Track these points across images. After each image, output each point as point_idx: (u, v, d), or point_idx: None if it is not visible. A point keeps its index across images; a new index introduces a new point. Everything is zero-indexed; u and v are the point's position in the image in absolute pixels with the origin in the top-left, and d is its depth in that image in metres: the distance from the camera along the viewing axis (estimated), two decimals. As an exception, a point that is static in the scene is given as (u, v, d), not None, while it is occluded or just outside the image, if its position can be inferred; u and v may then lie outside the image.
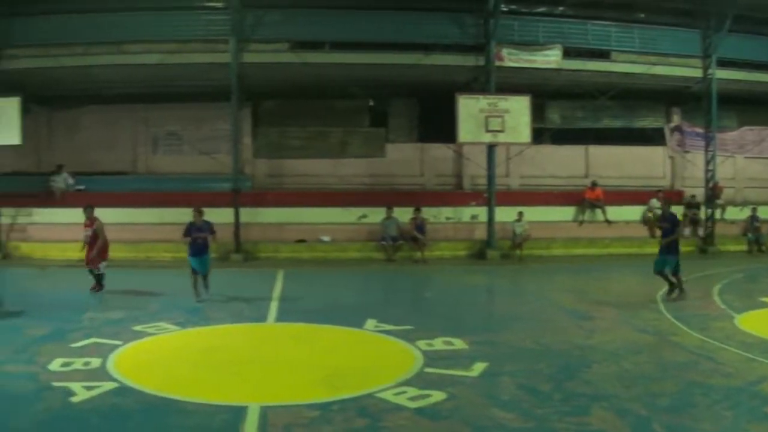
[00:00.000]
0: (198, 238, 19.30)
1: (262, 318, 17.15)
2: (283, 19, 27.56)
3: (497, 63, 28.16)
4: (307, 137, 33.25)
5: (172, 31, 27.80)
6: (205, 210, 27.50)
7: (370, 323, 15.93)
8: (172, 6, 28.06)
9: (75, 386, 11.41)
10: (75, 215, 26.63)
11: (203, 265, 19.35)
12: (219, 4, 28.28)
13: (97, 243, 20.50)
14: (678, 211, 21.58)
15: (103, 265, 20.55)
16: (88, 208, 21.23)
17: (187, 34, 27.93)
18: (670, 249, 18.81)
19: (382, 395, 10.58)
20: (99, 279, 20.50)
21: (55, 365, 12.70)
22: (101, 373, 12.23)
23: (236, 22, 27.14)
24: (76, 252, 24.62)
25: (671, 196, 31.52)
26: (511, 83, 28.47)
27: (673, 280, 18.79)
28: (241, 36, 27.42)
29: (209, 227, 19.77)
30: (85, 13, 28.24)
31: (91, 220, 20.92)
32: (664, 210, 19.81)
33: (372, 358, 13.47)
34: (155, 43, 28.11)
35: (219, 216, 26.76)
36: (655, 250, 19.16)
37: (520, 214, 28.72)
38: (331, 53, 28.50)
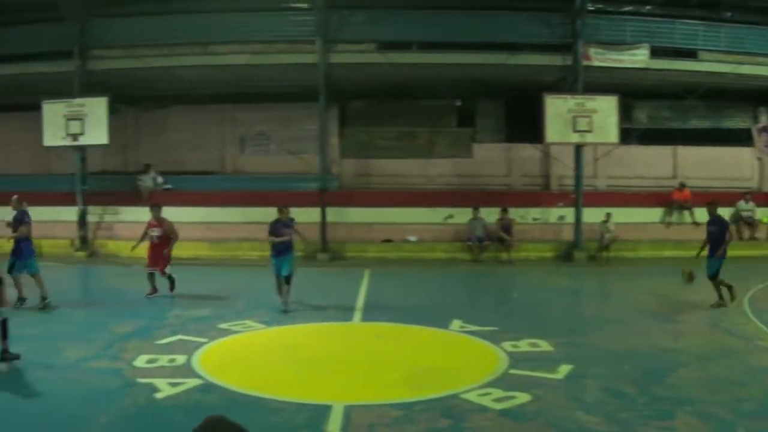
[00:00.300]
0: (283, 235, 18.48)
1: (347, 317, 17.19)
2: (369, 20, 27.58)
3: (584, 63, 27.88)
4: (394, 137, 33.20)
5: (258, 32, 27.94)
6: (293, 209, 27.86)
7: (456, 324, 15.86)
8: (259, 7, 28.22)
9: (159, 383, 11.57)
10: (163, 214, 27.02)
11: (287, 265, 18.28)
12: (305, 5, 28.30)
13: (168, 245, 20.05)
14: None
15: (169, 267, 20.11)
16: (156, 207, 20.68)
17: (274, 35, 28.04)
18: (716, 252, 18.24)
19: (466, 396, 10.54)
20: (172, 282, 20.01)
21: (140, 362, 12.90)
22: (186, 370, 12.38)
23: (322, 23, 27.20)
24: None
25: (759, 198, 31.05)
26: (598, 83, 28.15)
27: (728, 284, 18.16)
28: (328, 37, 27.45)
29: (293, 225, 19.00)
30: (172, 14, 28.62)
31: (158, 221, 20.31)
32: (711, 213, 19.00)
33: (457, 359, 13.42)
34: (242, 44, 28.31)
35: (306, 215, 26.90)
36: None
37: (608, 215, 28.41)
38: (418, 53, 28.38)
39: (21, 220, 19.13)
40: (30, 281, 18.55)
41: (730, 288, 18.10)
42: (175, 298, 19.39)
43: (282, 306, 17.67)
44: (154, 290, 19.65)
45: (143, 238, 20.29)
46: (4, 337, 13.12)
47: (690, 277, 19.20)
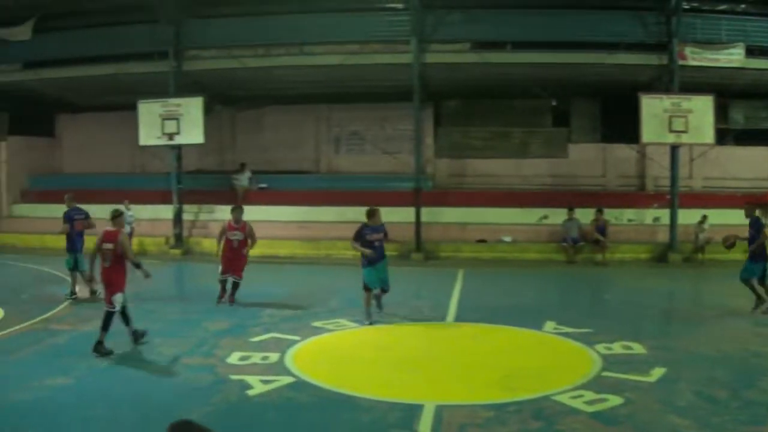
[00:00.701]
0: (374, 241, 16.86)
1: (441, 317, 17.23)
2: (464, 19, 27.45)
3: (680, 62, 27.49)
4: (488, 137, 33.07)
5: (353, 32, 28.00)
6: (387, 209, 27.98)
7: (549, 325, 15.82)
8: (353, 8, 28.34)
9: (252, 379, 11.77)
10: (257, 213, 27.32)
11: (382, 273, 16.85)
12: (399, 6, 28.34)
13: (246, 249, 18.94)
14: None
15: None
16: (237, 209, 19.43)
17: (369, 36, 28.09)
18: (756, 256, 17.89)
19: (558, 398, 10.52)
20: (236, 288, 18.77)
21: (234, 359, 13.12)
22: (279, 368, 12.56)
23: (417, 23, 27.15)
24: (259, 247, 25.33)
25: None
26: (694, 82, 27.72)
27: (760, 290, 17.75)
28: (422, 37, 27.39)
29: (384, 229, 17.34)
30: (268, 15, 28.81)
31: (239, 223, 19.02)
32: (748, 214, 18.64)
33: (550, 360, 13.38)
34: (337, 44, 28.47)
35: (400, 215, 27.07)
36: None
37: (704, 217, 28.02)
38: (512, 53, 28.18)
39: (71, 218, 20.29)
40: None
41: (759, 296, 17.83)
42: (237, 307, 18.35)
43: (367, 319, 16.40)
44: (225, 293, 18.77)
45: (221, 240, 19.07)
46: (127, 321, 14.31)
47: (730, 245, 19.08)
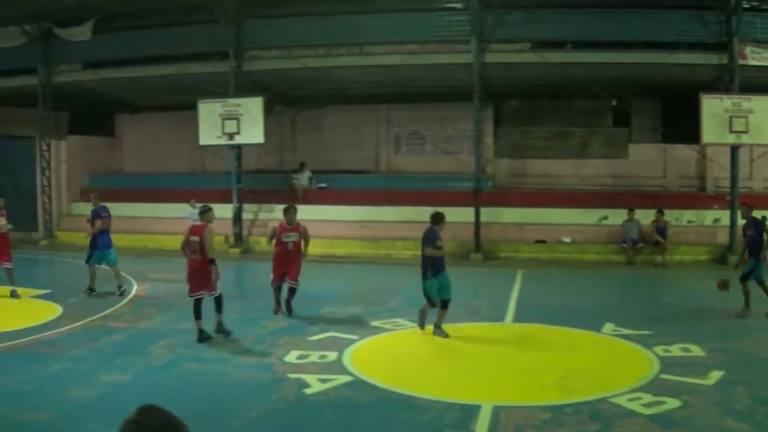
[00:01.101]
0: (442, 248, 15.64)
1: (499, 318, 17.24)
2: (524, 19, 27.29)
3: (740, 62, 27.18)
4: (548, 137, 32.91)
5: (413, 32, 27.99)
6: (446, 209, 28.07)
7: (608, 326, 15.77)
8: (413, 8, 28.32)
9: (310, 378, 11.91)
10: (317, 213, 27.50)
11: (446, 283, 15.42)
12: (459, 5, 28.24)
13: (301, 252, 17.89)
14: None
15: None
16: (291, 209, 18.20)
17: (428, 36, 28.04)
18: (755, 255, 17.69)
19: (615, 400, 10.52)
20: (293, 294, 17.69)
21: (291, 357, 13.29)
22: (336, 367, 12.69)
23: (477, 23, 27.05)
24: (319, 247, 25.50)
25: None
26: (755, 82, 27.34)
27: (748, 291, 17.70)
28: (482, 36, 27.30)
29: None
30: (328, 15, 28.88)
31: (292, 225, 18.01)
32: (746, 215, 18.51)
33: (608, 362, 13.34)
34: (397, 44, 28.53)
35: (460, 215, 27.03)
36: None
37: (764, 218, 27.67)
38: (572, 53, 28.05)
39: (98, 215, 20.88)
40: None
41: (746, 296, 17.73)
42: (296, 306, 17.81)
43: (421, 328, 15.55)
44: (279, 306, 17.72)
45: (271, 243, 18.17)
46: (219, 311, 15.22)
47: (724, 286, 19.15)
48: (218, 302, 15.40)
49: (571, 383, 11.62)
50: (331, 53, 29.35)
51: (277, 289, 17.68)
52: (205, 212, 15.96)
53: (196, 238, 15.58)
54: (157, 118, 37.06)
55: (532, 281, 23.03)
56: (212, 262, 15.27)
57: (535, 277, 23.95)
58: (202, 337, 14.90)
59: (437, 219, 15.95)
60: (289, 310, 17.53)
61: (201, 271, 15.40)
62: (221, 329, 15.33)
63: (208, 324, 15.15)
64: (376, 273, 24.35)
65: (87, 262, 20.91)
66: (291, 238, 17.72)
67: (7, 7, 30.41)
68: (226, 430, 10.04)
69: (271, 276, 17.77)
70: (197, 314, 15.10)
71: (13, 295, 19.93)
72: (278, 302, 17.61)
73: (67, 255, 27.16)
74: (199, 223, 15.97)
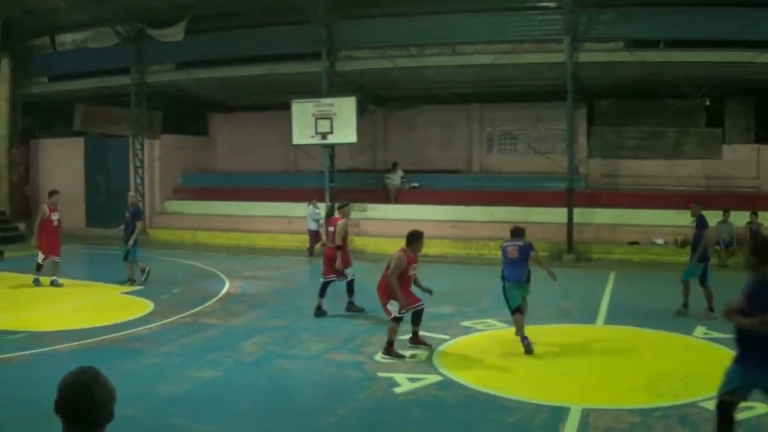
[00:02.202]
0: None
1: (590, 319, 17.13)
2: (617, 18, 26.97)
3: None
4: (641, 137, 32.47)
5: (505, 32, 27.88)
6: (538, 210, 27.91)
7: (699, 330, 15.59)
8: (505, 7, 28.16)
9: (399, 377, 11.96)
10: (409, 212, 27.54)
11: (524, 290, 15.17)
12: (552, 4, 28.05)
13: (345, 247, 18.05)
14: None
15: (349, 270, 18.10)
16: (343, 207, 19.18)
17: (521, 35, 27.95)
18: (700, 256, 17.40)
19: (705, 404, 10.26)
20: (352, 285, 17.99)
21: (381, 356, 13.31)
22: (426, 366, 12.74)
23: (569, 22, 26.85)
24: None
25: None
26: None
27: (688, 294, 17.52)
28: (575, 36, 27.10)
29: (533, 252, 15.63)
30: (420, 15, 28.90)
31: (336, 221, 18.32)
32: (695, 213, 17.95)
33: (698, 366, 13.02)
34: (489, 44, 28.46)
35: (552, 216, 27.01)
36: None
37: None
38: (666, 51, 27.74)
39: (136, 215, 21.75)
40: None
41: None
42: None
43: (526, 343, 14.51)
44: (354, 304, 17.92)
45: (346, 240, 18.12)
46: (350, 293, 17.71)
47: (682, 244, 18.50)
48: (350, 286, 17.66)
49: (661, 386, 11.49)
50: (423, 53, 29.44)
51: (328, 283, 17.77)
52: (341, 207, 18.76)
53: (332, 229, 17.76)
54: (250, 117, 37.54)
55: (624, 283, 22.78)
56: (338, 248, 17.33)
57: (628, 279, 23.68)
58: (318, 313, 17.19)
59: (514, 232, 15.70)
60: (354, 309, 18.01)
61: (334, 257, 17.48)
62: (353, 308, 17.62)
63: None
64: (467, 273, 24.28)
65: (125, 259, 21.92)
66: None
67: (101, 8, 31.09)
68: (315, 426, 10.13)
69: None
70: (322, 293, 17.35)
71: (54, 283, 21.16)
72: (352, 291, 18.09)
73: (159, 252, 27.57)
74: (338, 215, 18.39)
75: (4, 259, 24.78)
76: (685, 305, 17.45)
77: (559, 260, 26.62)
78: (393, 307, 13.89)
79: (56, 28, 36.61)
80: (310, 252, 28.05)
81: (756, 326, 7.75)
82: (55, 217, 21.51)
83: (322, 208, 29.34)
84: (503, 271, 15.25)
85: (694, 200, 18.65)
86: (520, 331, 14.16)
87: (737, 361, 8.21)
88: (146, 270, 21.73)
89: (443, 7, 28.61)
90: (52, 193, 21.98)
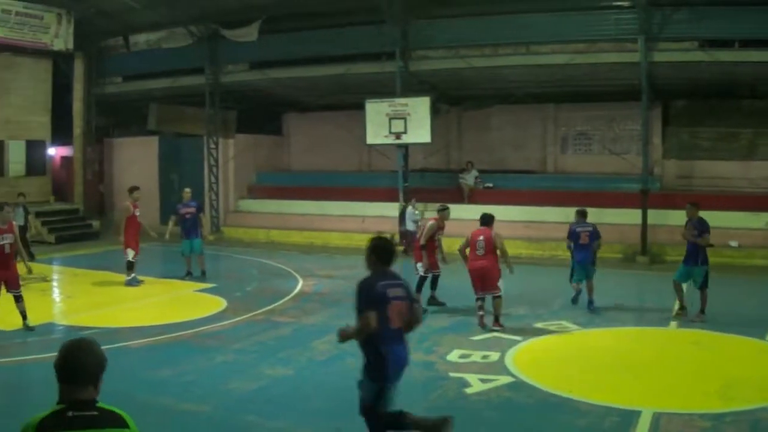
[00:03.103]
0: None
1: (663, 322, 16.91)
2: (690, 17, 26.57)
3: None
4: (716, 138, 32.02)
5: (579, 31, 27.63)
6: (612, 211, 27.72)
7: (772, 334, 15.38)
8: (579, 6, 27.93)
9: (471, 378, 12.05)
10: (483, 212, 27.48)
11: (590, 270, 18.01)
12: (626, 4, 27.70)
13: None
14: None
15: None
16: (445, 210, 18.93)
17: (595, 35, 27.65)
18: (699, 259, 17.03)
19: (778, 410, 10.33)
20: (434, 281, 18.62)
21: (454, 356, 13.46)
22: (498, 367, 12.76)
23: (644, 21, 26.52)
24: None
25: None
26: None
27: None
28: (650, 35, 26.73)
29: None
30: (494, 15, 28.80)
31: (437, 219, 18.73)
32: (691, 215, 17.65)
33: (771, 370, 13.15)
34: (563, 43, 28.36)
35: (626, 217, 26.83)
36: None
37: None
38: (741, 51, 27.31)
39: (176, 212, 22.69)
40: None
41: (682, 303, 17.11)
42: (460, 305, 18.34)
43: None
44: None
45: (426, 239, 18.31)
46: (433, 287, 18.34)
47: None
48: (434, 280, 18.39)
49: (733, 391, 11.40)
50: (498, 53, 29.34)
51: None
52: (441, 210, 18.84)
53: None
54: (324, 117, 37.70)
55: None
56: (422, 248, 18.00)
57: (702, 282, 23.27)
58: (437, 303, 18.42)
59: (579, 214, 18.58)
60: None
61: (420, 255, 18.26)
62: (434, 302, 18.33)
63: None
64: (540, 274, 24.20)
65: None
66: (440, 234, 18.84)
67: (174, 9, 31.52)
68: (385, 426, 10.25)
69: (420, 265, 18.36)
70: (419, 288, 17.61)
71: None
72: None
73: (233, 250, 27.89)
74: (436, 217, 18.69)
75: (34, 259, 25.21)
76: (683, 307, 17.23)
77: (633, 262, 26.46)
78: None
79: (130, 29, 37.11)
80: (405, 251, 28.13)
81: None
82: (137, 213, 22.05)
83: (420, 209, 29.46)
84: (574, 254, 17.79)
85: (690, 201, 18.23)
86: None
87: None
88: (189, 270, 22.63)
89: (518, 6, 28.49)
90: (133, 189, 22.40)
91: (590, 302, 17.73)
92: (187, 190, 23.68)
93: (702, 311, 16.79)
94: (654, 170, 30.84)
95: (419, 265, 18.08)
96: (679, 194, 29.86)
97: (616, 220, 27.31)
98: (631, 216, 27.21)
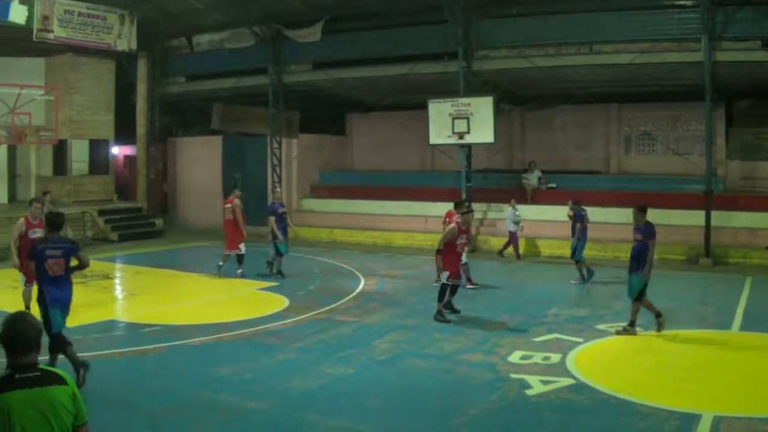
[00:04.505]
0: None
1: (726, 325, 16.77)
2: (755, 16, 26.21)
3: None
4: (779, 139, 31.96)
5: (643, 30, 27.42)
6: (675, 212, 27.48)
7: (836, 339, 15.15)
8: (643, 6, 27.71)
9: (532, 379, 12.05)
10: (546, 212, 27.44)
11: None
12: (689, 3, 27.37)
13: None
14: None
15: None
16: (469, 212, 17.91)
17: (658, 34, 27.42)
18: (640, 266, 15.44)
19: (838, 413, 10.24)
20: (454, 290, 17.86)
21: (515, 357, 13.43)
22: (559, 369, 12.75)
23: (707, 21, 26.24)
24: (548, 248, 25.61)
25: None
26: None
27: (656, 311, 15.63)
28: (713, 34, 26.43)
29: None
30: (557, 14, 28.75)
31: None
32: (639, 220, 15.99)
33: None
34: (626, 43, 28.15)
35: (689, 218, 26.60)
36: None
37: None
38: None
39: (275, 211, 22.85)
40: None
41: (658, 315, 15.66)
42: (521, 306, 18.57)
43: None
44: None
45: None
46: (452, 294, 17.11)
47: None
48: (453, 290, 17.37)
49: (796, 396, 11.30)
50: (561, 52, 29.22)
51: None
52: (465, 213, 17.57)
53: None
54: (386, 117, 37.89)
55: (762, 289, 22.05)
56: (438, 252, 17.01)
57: (766, 285, 22.94)
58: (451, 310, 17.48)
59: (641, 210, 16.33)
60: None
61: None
62: (452, 308, 17.49)
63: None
64: (602, 276, 23.96)
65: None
66: (462, 240, 17.32)
67: (238, 10, 31.79)
68: (446, 426, 10.31)
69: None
70: (446, 295, 17.19)
71: (218, 268, 22.78)
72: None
73: (295, 249, 28.11)
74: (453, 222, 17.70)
75: None
76: (658, 314, 15.76)
77: (696, 264, 26.25)
78: (444, 276, 17.13)
79: (193, 29, 37.46)
80: (502, 252, 28.00)
81: None
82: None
83: (425, 208, 29.46)
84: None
85: (637, 205, 16.39)
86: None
87: None
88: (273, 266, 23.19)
89: (581, 5, 28.37)
90: (235, 188, 23.96)
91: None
92: (279, 189, 24.11)
93: (631, 324, 15.65)
94: (717, 171, 30.56)
95: (444, 273, 17.13)
96: (743, 196, 29.65)
97: (679, 221, 27.12)
98: (695, 217, 26.96)
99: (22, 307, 15.69)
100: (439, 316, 16.88)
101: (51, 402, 5.10)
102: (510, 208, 27.86)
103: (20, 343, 5.15)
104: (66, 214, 24.90)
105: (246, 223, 23.32)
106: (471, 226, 18.37)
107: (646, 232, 15.72)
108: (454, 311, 17.48)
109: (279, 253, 23.08)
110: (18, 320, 5.27)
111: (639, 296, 15.50)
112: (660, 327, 15.55)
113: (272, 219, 22.83)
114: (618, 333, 15.55)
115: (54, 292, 11.85)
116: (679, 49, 27.44)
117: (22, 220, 16.84)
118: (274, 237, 22.88)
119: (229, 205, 23.15)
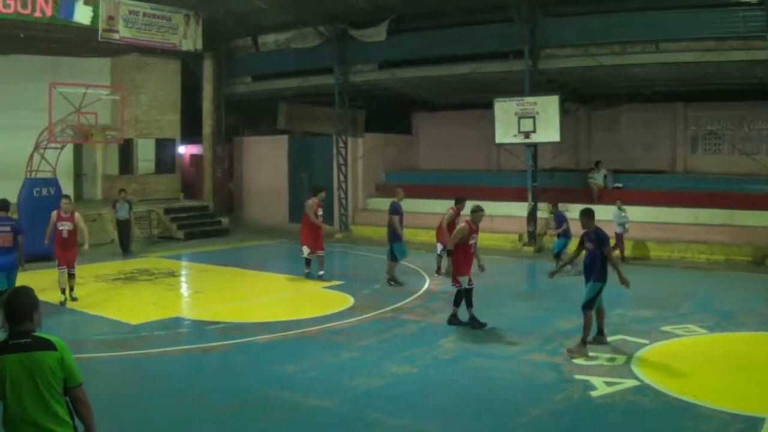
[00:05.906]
0: None
1: (793, 328, 16.53)
2: None
3: None
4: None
5: (708, 28, 26.94)
6: (742, 212, 27.18)
7: None
8: (709, 3, 27.45)
9: (596, 380, 12.03)
10: (612, 212, 27.21)
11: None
12: (754, 0, 27.36)
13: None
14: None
15: None
16: (479, 211, 16.96)
17: (723, 32, 26.98)
18: (600, 275, 14.26)
19: None
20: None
21: (580, 358, 13.36)
22: (624, 370, 12.69)
23: (772, 19, 26.13)
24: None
25: None
26: None
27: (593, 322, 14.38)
28: (778, 32, 26.32)
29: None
30: (623, 12, 28.43)
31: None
32: (587, 224, 14.74)
33: None
34: (693, 41, 27.91)
35: (757, 219, 26.32)
36: None
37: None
38: None
39: (398, 211, 22.53)
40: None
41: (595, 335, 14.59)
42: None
43: None
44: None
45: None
46: (470, 304, 16.03)
47: None
48: (467, 296, 16.34)
49: None
50: (626, 51, 29.03)
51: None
52: (474, 211, 16.79)
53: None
54: (453, 116, 37.93)
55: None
56: (449, 254, 16.55)
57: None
58: (455, 322, 16.41)
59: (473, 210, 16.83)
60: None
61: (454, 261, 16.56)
62: (476, 323, 16.14)
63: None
64: (669, 276, 23.83)
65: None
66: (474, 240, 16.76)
67: (303, 10, 31.98)
68: (509, 426, 10.36)
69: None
70: (457, 302, 16.52)
71: (321, 277, 22.22)
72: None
73: (361, 248, 28.17)
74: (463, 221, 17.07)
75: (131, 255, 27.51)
76: (601, 332, 14.83)
77: (762, 265, 25.95)
78: (463, 279, 16.26)
79: (258, 29, 37.67)
80: (623, 258, 27.73)
81: None
82: (320, 213, 22.73)
83: (490, 208, 29.45)
84: None
85: (582, 211, 15.14)
86: None
87: None
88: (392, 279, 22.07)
89: (646, 3, 28.11)
90: (319, 190, 23.29)
91: None
92: (400, 190, 24.01)
93: (582, 341, 14.17)
94: (784, 171, 30.18)
95: (463, 277, 16.40)
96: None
97: (745, 222, 26.84)
98: (762, 218, 26.62)
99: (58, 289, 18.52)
100: (454, 319, 16.52)
101: (39, 365, 5.98)
102: (616, 209, 27.39)
103: (17, 313, 6.09)
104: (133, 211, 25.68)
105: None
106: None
107: (597, 239, 14.46)
108: (460, 323, 16.37)
109: (394, 258, 22.07)
110: (15, 294, 6.27)
111: (589, 305, 14.24)
112: (585, 346, 14.03)
113: (396, 218, 22.31)
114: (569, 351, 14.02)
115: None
116: (745, 47, 27.11)
117: (54, 212, 18.57)
118: (392, 238, 22.18)
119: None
